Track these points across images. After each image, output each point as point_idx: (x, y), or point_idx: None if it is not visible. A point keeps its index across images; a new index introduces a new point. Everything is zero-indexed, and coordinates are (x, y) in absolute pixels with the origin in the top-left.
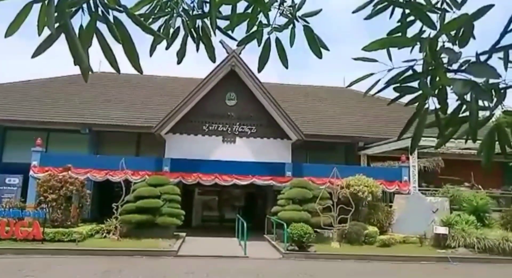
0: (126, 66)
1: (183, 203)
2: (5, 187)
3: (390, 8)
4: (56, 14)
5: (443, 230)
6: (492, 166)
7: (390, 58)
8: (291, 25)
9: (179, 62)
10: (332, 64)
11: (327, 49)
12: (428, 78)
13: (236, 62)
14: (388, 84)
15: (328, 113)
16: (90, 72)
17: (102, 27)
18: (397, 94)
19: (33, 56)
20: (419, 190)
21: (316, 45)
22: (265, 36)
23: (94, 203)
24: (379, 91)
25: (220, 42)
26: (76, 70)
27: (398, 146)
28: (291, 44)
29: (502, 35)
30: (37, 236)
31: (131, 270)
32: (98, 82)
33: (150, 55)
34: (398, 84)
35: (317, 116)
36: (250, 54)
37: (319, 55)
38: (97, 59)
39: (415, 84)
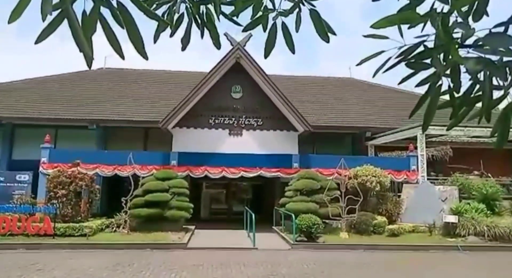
0: (133, 62)
1: (191, 196)
2: (16, 183)
3: None
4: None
5: (452, 219)
6: (502, 153)
7: (401, 35)
8: (297, 10)
9: (183, 49)
10: (339, 56)
11: (334, 34)
12: (441, 56)
13: (241, 55)
14: (400, 60)
15: (335, 104)
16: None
17: (104, 11)
18: (406, 74)
19: (37, 42)
20: (427, 179)
21: (323, 29)
22: (270, 22)
23: (103, 198)
24: (390, 68)
25: (225, 34)
26: (83, 66)
27: (406, 135)
28: (297, 29)
29: None
30: (48, 231)
31: (141, 263)
32: (105, 78)
33: (154, 42)
34: (410, 61)
35: (323, 107)
36: (255, 47)
37: (326, 39)
38: (102, 55)
39: (427, 61)
